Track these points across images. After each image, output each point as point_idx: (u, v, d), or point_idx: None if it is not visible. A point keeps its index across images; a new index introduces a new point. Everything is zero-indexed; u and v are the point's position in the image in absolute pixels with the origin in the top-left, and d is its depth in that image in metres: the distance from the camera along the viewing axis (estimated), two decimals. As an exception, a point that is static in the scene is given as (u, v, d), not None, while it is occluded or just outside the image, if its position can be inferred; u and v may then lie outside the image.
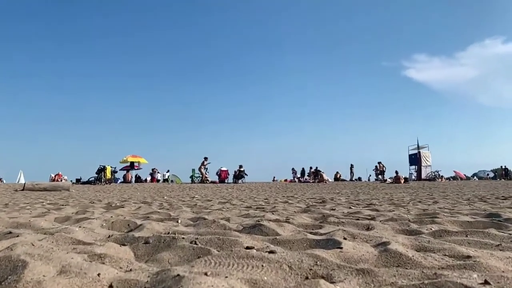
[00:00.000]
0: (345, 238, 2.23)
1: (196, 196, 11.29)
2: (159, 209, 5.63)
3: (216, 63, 75.44)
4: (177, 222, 3.49)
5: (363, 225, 3.07)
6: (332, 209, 5.25)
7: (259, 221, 3.05)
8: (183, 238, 2.15)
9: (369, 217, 3.95)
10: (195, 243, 2.03)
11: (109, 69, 69.26)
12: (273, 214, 4.19)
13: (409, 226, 3.00)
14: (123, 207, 5.99)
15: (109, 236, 2.43)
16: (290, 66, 76.82)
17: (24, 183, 16.63)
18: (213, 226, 2.97)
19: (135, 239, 2.25)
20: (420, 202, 7.85)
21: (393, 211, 4.76)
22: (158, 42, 74.11)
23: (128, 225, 3.20)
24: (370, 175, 29.46)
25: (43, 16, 65.51)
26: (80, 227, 2.88)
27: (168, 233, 2.59)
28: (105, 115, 65.56)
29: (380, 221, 3.50)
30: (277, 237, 2.30)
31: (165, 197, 10.62)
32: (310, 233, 2.56)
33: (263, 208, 5.60)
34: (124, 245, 2.16)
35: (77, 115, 63.24)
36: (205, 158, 25.31)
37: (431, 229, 2.79)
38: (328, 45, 79.72)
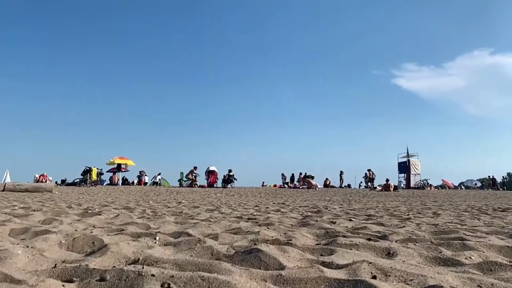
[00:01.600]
0: (374, 277, 1.62)
1: (183, 201, 10.61)
2: (139, 217, 4.97)
3: (205, 70, 74.80)
4: (155, 239, 2.84)
5: (381, 249, 2.47)
6: (332, 222, 4.65)
7: (255, 243, 2.43)
8: (152, 275, 1.52)
9: (379, 235, 3.36)
10: (168, 287, 1.41)
11: (98, 73, 68.10)
12: (268, 228, 3.57)
13: (440, 252, 2.40)
14: (99, 215, 5.31)
15: (55, 266, 1.78)
16: (280, 74, 76.56)
17: (5, 184, 15.75)
18: (197, 248, 2.33)
19: (88, 273, 1.61)
20: (419, 213, 7.30)
21: (403, 226, 4.17)
22: (146, 47, 73.22)
23: (93, 243, 2.55)
24: (361, 182, 29.00)
25: (29, 19, 64.24)
26: (27, 247, 2.22)
27: (137, 259, 1.95)
28: (93, 117, 64.33)
29: (396, 242, 2.91)
30: (282, 272, 1.68)
31: (150, 202, 9.92)
32: (323, 263, 1.94)
33: (255, 219, 4.97)
34: (70, 281, 1.53)
35: (65, 118, 61.89)
36: (195, 168, 24.58)
37: (470, 257, 2.19)
38: (318, 52, 79.66)
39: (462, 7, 77.13)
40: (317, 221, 4.80)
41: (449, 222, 4.99)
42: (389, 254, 2.34)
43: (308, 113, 71.58)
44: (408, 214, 6.69)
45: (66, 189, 17.83)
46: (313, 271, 1.66)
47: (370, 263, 1.80)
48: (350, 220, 5.18)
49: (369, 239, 3.01)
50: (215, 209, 7.26)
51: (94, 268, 1.65)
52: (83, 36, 67.64)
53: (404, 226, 4.10)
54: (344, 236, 3.13)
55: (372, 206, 9.65)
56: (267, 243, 2.48)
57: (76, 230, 3.14)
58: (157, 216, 5.31)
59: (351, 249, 2.45)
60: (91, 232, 3.06)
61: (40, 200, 10.03)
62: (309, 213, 6.54)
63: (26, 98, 60.44)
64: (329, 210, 7.39)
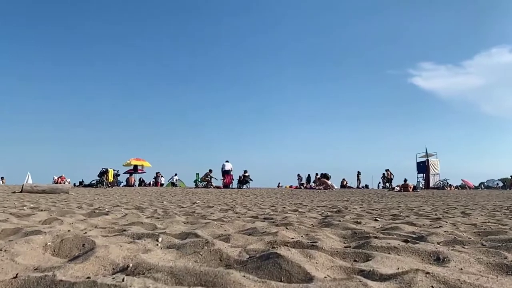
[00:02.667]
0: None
1: (198, 201, 10.23)
2: (148, 217, 4.59)
3: (221, 70, 74.63)
4: (157, 241, 2.43)
5: (427, 253, 2.00)
6: (357, 222, 4.17)
7: (273, 246, 2.00)
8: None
9: (415, 235, 2.88)
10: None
11: (116, 74, 68.60)
12: (287, 229, 3.12)
13: (503, 257, 1.92)
14: (107, 214, 4.95)
15: (16, 276, 1.38)
16: (295, 75, 75.84)
17: (23, 185, 15.66)
18: (203, 252, 1.90)
19: (52, 287, 1.20)
20: (447, 213, 6.74)
21: (438, 226, 3.66)
22: (162, 47, 73.38)
23: (83, 245, 2.14)
24: (380, 182, 28.13)
25: (51, 20, 65.08)
26: (1, 250, 1.83)
27: (126, 267, 1.54)
28: (111, 119, 64.75)
29: (439, 243, 2.44)
30: (311, 285, 1.24)
31: (164, 202, 9.57)
32: (362, 272, 1.49)
33: (272, 219, 4.53)
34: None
35: (84, 119, 62.47)
36: (210, 171, 24.24)
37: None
38: (333, 53, 78.60)
39: (479, 3, 75.16)
40: (340, 221, 4.33)
41: (486, 222, 4.46)
42: (439, 260, 1.87)
43: (324, 113, 70.69)
44: (436, 214, 6.15)
45: (82, 191, 17.69)
46: (353, 285, 1.22)
47: (427, 273, 1.34)
48: (376, 220, 4.69)
49: (406, 241, 2.54)
50: (230, 209, 6.84)
51: (61, 280, 1.24)
52: (99, 36, 68.24)
53: (440, 226, 3.59)
54: (376, 237, 2.67)
55: (393, 206, 9.10)
56: (287, 246, 2.04)
57: (69, 231, 2.74)
58: (167, 216, 4.92)
59: (390, 253, 1.99)
60: (85, 233, 2.67)
61: (54, 201, 9.78)
62: (329, 213, 6.06)
63: (44, 98, 61.15)
64: (350, 210, 6.89)
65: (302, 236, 2.77)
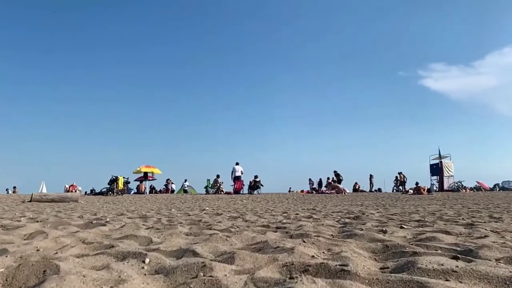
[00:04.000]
0: None
1: (207, 208, 9.72)
2: (148, 228, 4.08)
3: (229, 74, 74.30)
4: (143, 262, 1.91)
5: (501, 279, 1.45)
6: (382, 231, 3.61)
7: (291, 273, 1.47)
8: None
9: (460, 249, 2.33)
10: None
11: (125, 80, 68.60)
12: (304, 242, 2.58)
13: None
14: (104, 225, 4.46)
15: None
16: (306, 78, 75.16)
17: (32, 194, 15.35)
18: (195, 284, 1.38)
19: None
20: (473, 217, 6.13)
21: (483, 235, 3.08)
22: (170, 52, 73.35)
23: (45, 272, 1.64)
24: (394, 186, 27.21)
25: (57, 25, 65.39)
26: None
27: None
28: (121, 126, 64.70)
29: (501, 261, 1.88)
30: None
31: (172, 210, 9.08)
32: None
33: (285, 228, 3.99)
34: None
35: (94, 126, 62.44)
36: (218, 176, 23.78)
37: None
38: (343, 55, 77.80)
39: (489, 2, 73.82)
40: (362, 229, 3.78)
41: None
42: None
43: (334, 116, 69.76)
44: (464, 219, 5.55)
45: (92, 199, 17.33)
46: None
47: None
48: (402, 227, 4.12)
49: (456, 258, 1.98)
50: (239, 216, 6.31)
51: None
52: (103, 40, 68.39)
53: (485, 236, 3.01)
54: (415, 253, 2.12)
55: (412, 210, 8.47)
56: (309, 271, 1.51)
57: (38, 250, 2.24)
58: (170, 226, 4.42)
59: (448, 280, 1.44)
60: (60, 252, 2.16)
61: (59, 210, 9.35)
62: (347, 220, 5.49)
63: (54, 102, 61.36)
64: (368, 216, 6.31)
65: (324, 253, 2.23)
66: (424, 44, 73.55)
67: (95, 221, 4.97)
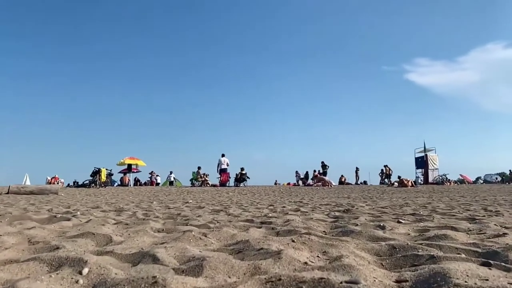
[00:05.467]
0: None
1: (190, 201, 9.20)
2: (116, 223, 3.56)
3: (214, 67, 73.35)
4: (79, 274, 1.41)
5: None
6: (380, 227, 3.16)
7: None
8: None
9: (482, 250, 1.89)
10: None
11: (109, 72, 67.15)
12: (294, 242, 2.10)
13: None
14: (68, 220, 3.94)
15: None
16: (292, 71, 74.70)
17: (9, 186, 14.59)
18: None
19: None
20: (468, 210, 5.77)
21: (502, 234, 2.65)
22: (155, 45, 72.00)
23: None
24: (386, 178, 26.87)
25: (40, 17, 63.47)
26: None
27: None
28: (105, 118, 63.36)
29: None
30: None
31: (154, 203, 8.54)
32: None
33: (271, 223, 3.52)
34: None
35: (80, 118, 60.98)
36: (199, 168, 23.25)
37: None
38: (326, 49, 77.54)
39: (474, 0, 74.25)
40: (357, 224, 3.33)
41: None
42: None
43: (320, 110, 69.61)
44: (460, 212, 5.18)
45: (73, 191, 16.62)
46: None
47: None
48: (399, 222, 3.69)
49: (488, 264, 1.54)
50: (222, 210, 5.82)
51: None
52: (86, 34, 66.74)
53: (503, 234, 2.57)
54: (434, 258, 1.67)
55: (400, 203, 8.10)
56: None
57: None
58: (142, 220, 3.91)
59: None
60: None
61: (33, 203, 8.72)
62: (337, 213, 5.06)
63: (37, 96, 59.74)
64: (358, 209, 5.90)
65: (318, 257, 1.76)
66: (409, 39, 73.77)
67: (60, 215, 4.42)
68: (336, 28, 75.36)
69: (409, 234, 2.69)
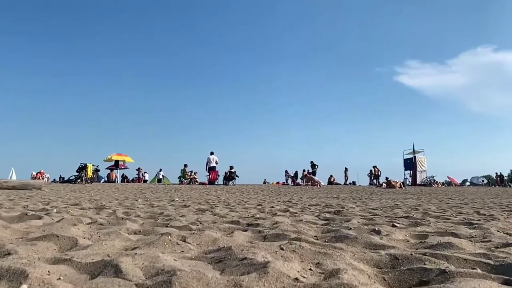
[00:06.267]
0: None
1: (177, 199, 8.89)
2: (90, 223, 3.26)
3: (204, 68, 72.82)
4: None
5: None
6: (375, 231, 2.92)
7: None
8: None
9: (494, 262, 1.65)
10: None
11: (100, 68, 66.22)
12: (282, 251, 1.84)
13: None
14: (40, 218, 3.62)
15: None
16: (283, 70, 74.56)
17: (-10, 181, 14.08)
18: None
19: None
20: (461, 213, 5.59)
21: (505, 243, 2.42)
22: (143, 43, 71.19)
23: None
24: (374, 179, 26.70)
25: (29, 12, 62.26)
26: None
27: None
28: (93, 114, 62.43)
29: None
30: None
31: (139, 200, 8.21)
32: None
33: (258, 225, 3.25)
34: None
35: (68, 114, 60.00)
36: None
37: None
38: (320, 50, 77.55)
39: (465, 3, 74.87)
40: (350, 228, 3.08)
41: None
42: None
43: (311, 109, 69.58)
44: (455, 216, 4.99)
45: (58, 187, 16.13)
46: None
47: None
48: (394, 226, 3.46)
49: (509, 283, 1.30)
50: (208, 209, 5.54)
51: None
52: (77, 31, 65.71)
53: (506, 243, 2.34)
54: (445, 273, 1.42)
55: (390, 204, 7.92)
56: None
57: None
58: (121, 220, 3.61)
59: None
60: None
61: (12, 198, 8.32)
62: (327, 215, 4.82)
63: (27, 93, 58.60)
64: (349, 210, 5.67)
65: (311, 270, 1.50)
66: (401, 41, 74.10)
67: (33, 213, 4.10)
68: (330, 29, 75.39)
69: (408, 241, 2.44)
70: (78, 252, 1.83)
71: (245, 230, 2.86)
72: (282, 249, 1.86)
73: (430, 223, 3.74)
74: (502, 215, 5.17)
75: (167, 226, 3.13)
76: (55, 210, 4.90)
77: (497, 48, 70.41)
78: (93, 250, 1.89)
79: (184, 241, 2.22)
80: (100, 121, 60.56)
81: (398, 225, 3.53)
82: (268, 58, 74.68)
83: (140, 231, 2.84)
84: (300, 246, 1.93)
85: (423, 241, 2.39)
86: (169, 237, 2.18)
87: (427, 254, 1.83)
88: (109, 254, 1.77)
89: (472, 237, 2.64)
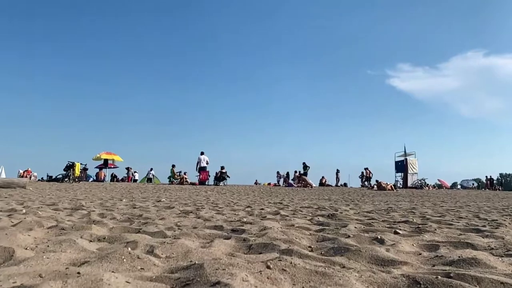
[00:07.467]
0: None
1: (163, 199, 8.43)
2: (53, 226, 2.81)
3: (201, 69, 72.26)
4: None
5: None
6: (378, 240, 2.51)
7: None
8: None
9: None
10: None
11: (89, 69, 65.29)
12: (269, 270, 1.42)
13: None
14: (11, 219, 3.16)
15: None
16: (277, 74, 74.24)
17: (-28, 179, 13.46)
18: None
19: None
20: (461, 218, 5.24)
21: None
22: (137, 45, 70.44)
23: None
24: (366, 181, 26.34)
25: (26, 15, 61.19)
26: None
27: None
28: (84, 114, 61.51)
29: None
30: None
31: (124, 200, 7.74)
32: None
33: (244, 231, 2.83)
34: None
35: (58, 113, 58.95)
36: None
37: None
38: (313, 53, 77.40)
39: (456, 8, 75.38)
40: (349, 236, 2.66)
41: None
42: None
43: (303, 112, 69.40)
44: (457, 221, 4.62)
45: (44, 185, 15.52)
46: None
47: None
48: (396, 232, 3.06)
49: None
50: (193, 211, 5.09)
51: None
52: (65, 31, 64.74)
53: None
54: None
55: (384, 207, 7.56)
56: None
57: None
58: (91, 223, 3.15)
59: None
60: None
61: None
62: (320, 218, 4.41)
63: (19, 92, 57.60)
64: (343, 214, 5.28)
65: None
66: (392, 44, 74.25)
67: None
68: (323, 33, 75.27)
69: (420, 254, 2.03)
70: (5, 269, 1.39)
71: (228, 238, 2.43)
72: (268, 267, 1.44)
73: (435, 229, 3.34)
74: (505, 220, 4.82)
75: (138, 232, 2.69)
76: (24, 211, 4.43)
77: (488, 53, 70.96)
78: (26, 267, 1.45)
79: (150, 253, 1.79)
80: (90, 120, 59.62)
81: (400, 231, 3.12)
82: (262, 62, 74.34)
83: (105, 238, 2.40)
84: (291, 263, 1.50)
85: (438, 254, 1.98)
86: (129, 249, 1.74)
87: (452, 276, 1.42)
88: (42, 274, 1.33)
89: (492, 248, 2.24)
